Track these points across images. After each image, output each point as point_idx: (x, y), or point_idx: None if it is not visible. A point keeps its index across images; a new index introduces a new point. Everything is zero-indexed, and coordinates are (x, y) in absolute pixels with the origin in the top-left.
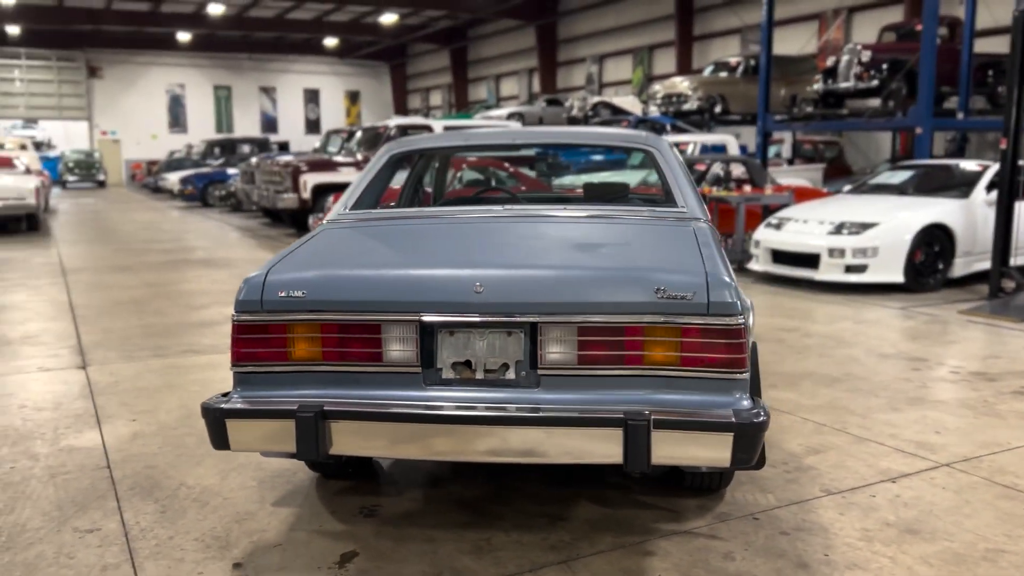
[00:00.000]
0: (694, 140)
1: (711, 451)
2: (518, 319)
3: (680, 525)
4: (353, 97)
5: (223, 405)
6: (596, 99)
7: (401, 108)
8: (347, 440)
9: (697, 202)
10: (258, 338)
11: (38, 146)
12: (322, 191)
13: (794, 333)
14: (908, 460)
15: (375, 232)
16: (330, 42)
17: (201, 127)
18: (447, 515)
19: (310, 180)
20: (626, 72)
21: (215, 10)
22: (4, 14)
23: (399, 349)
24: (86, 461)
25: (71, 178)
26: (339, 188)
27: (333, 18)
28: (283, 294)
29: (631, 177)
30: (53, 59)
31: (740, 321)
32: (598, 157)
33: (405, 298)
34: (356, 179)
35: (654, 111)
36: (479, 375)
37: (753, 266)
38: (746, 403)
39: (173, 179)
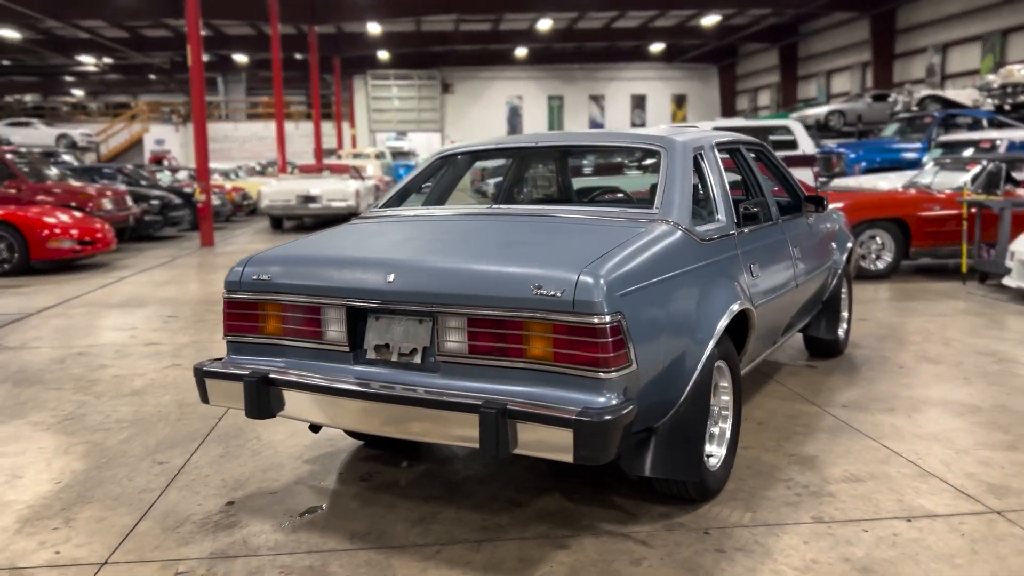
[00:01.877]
0: (1005, 136)
1: (557, 445)
2: (420, 308)
3: (621, 527)
4: (679, 101)
5: (205, 367)
6: (924, 92)
7: (728, 110)
8: (292, 406)
9: (679, 206)
10: (239, 313)
11: (404, 155)
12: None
13: (1013, 364)
14: (955, 502)
15: (365, 228)
16: (656, 47)
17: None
18: (426, 488)
19: None
20: (973, 61)
21: (543, 25)
22: (376, 41)
23: (335, 330)
24: (207, 410)
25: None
26: None
27: (658, 24)
28: (255, 277)
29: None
30: (415, 78)
31: (604, 321)
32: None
33: (335, 284)
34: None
35: (989, 104)
36: (394, 358)
37: (1008, 281)
38: (611, 402)
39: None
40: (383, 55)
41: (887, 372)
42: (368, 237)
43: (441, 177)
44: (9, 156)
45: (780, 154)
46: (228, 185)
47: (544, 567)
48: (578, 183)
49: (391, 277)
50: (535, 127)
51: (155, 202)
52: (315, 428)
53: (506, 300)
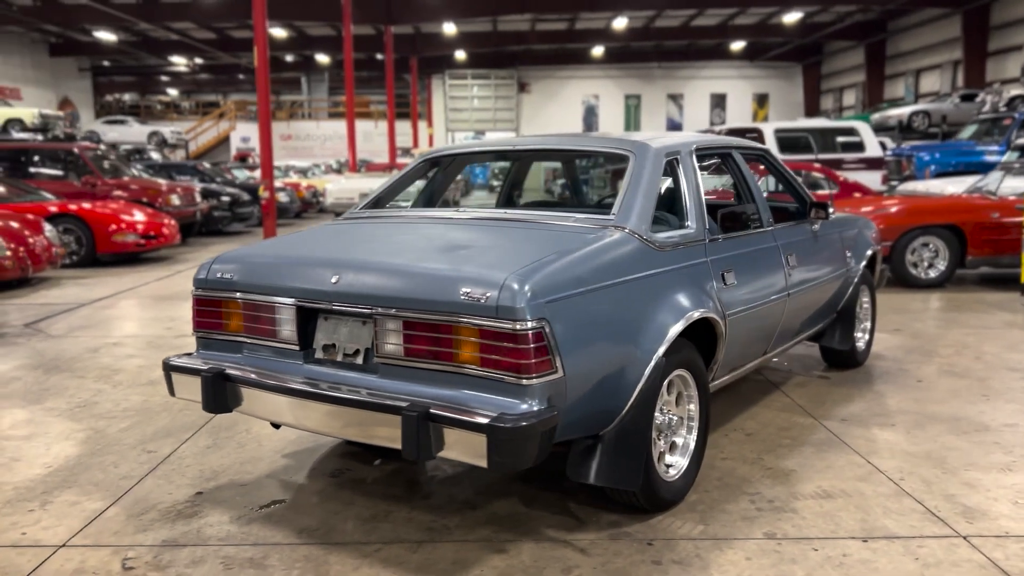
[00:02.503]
0: None
1: (473, 450)
2: (362, 309)
3: (566, 534)
4: (761, 100)
5: (171, 361)
6: (1015, 92)
7: (812, 109)
8: (247, 402)
9: (637, 212)
10: (205, 310)
11: None
12: None
13: None
14: (922, 524)
15: (335, 229)
16: (737, 45)
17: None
18: (389, 487)
19: None
20: None
21: (619, 24)
22: (453, 41)
23: (287, 329)
24: None
25: (495, 183)
26: None
27: (738, 22)
28: (219, 275)
29: None
30: (492, 78)
31: (525, 327)
32: None
33: (286, 284)
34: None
35: None
36: (339, 358)
37: None
38: (530, 409)
39: (560, 183)
40: (460, 55)
41: (902, 385)
42: (332, 238)
43: (432, 179)
44: (88, 154)
45: (848, 156)
46: (303, 183)
47: (475, 570)
48: None
49: (335, 279)
50: (611, 126)
51: (225, 198)
52: (276, 424)
53: (437, 304)
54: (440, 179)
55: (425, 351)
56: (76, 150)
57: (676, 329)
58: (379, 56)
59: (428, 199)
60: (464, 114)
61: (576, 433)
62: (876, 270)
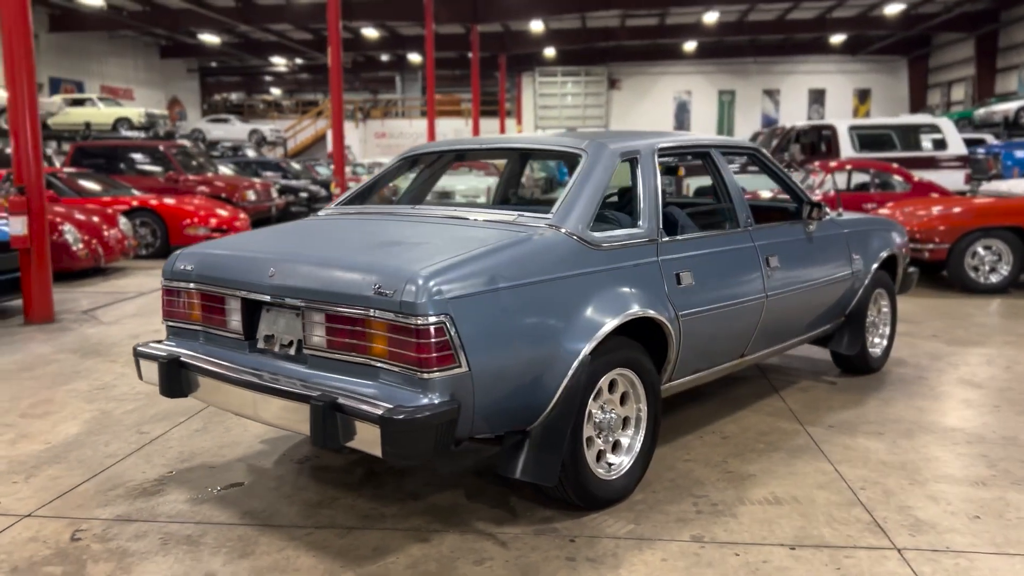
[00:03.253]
0: None
1: (370, 441)
2: (293, 302)
3: (495, 527)
4: (862, 95)
5: (139, 347)
6: None
7: (918, 105)
8: (201, 389)
9: (576, 212)
10: (171, 300)
11: None
12: (703, 192)
13: None
14: (861, 534)
15: (298, 224)
16: (837, 39)
17: (703, 131)
18: (348, 475)
19: (692, 183)
20: None
21: (709, 18)
22: (542, 38)
23: (234, 320)
24: None
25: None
26: None
27: (836, 14)
28: (182, 267)
29: None
30: (582, 74)
31: (426, 322)
32: None
33: (233, 277)
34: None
35: None
36: (277, 348)
37: None
38: (429, 402)
39: None
40: (550, 52)
41: (911, 394)
42: (288, 234)
43: (416, 176)
44: (172, 151)
45: (931, 154)
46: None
47: (390, 558)
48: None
49: (272, 273)
50: (703, 123)
51: (303, 194)
52: None
53: (353, 298)
54: (419, 176)
55: (344, 343)
56: (161, 148)
57: (606, 329)
58: (469, 55)
59: (403, 195)
60: (553, 111)
61: (497, 428)
62: (898, 273)
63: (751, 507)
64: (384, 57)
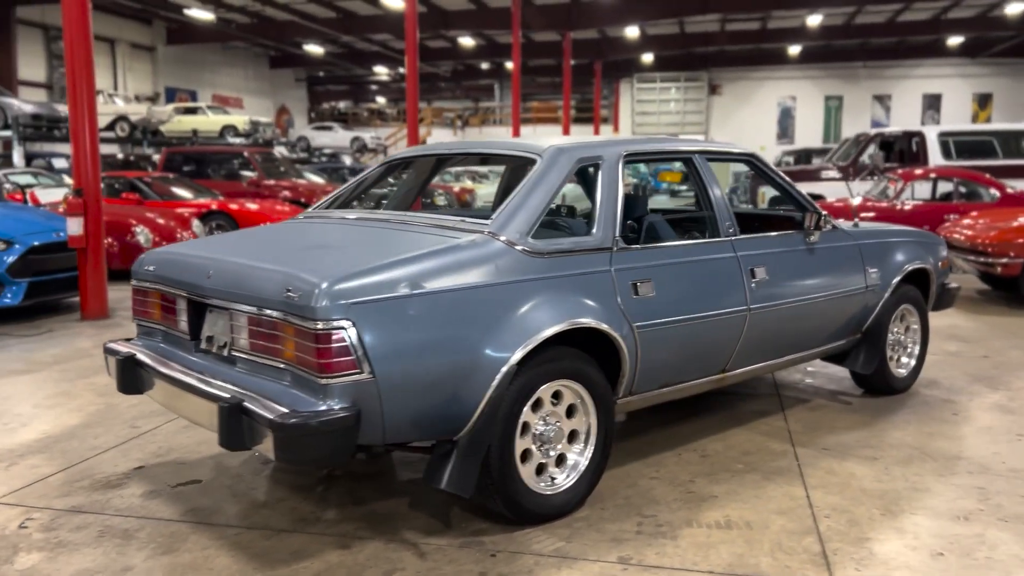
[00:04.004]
0: None
1: (268, 444)
2: (224, 304)
3: (422, 537)
4: (983, 100)
5: (107, 344)
6: None
7: None
8: (151, 388)
9: (518, 218)
10: (138, 299)
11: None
12: (778, 200)
13: None
14: (800, 566)
15: (265, 229)
16: (954, 41)
17: (808, 138)
18: (303, 478)
19: (768, 191)
20: None
21: (813, 21)
22: (638, 44)
23: (183, 320)
24: None
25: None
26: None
27: (952, 15)
28: (146, 268)
29: None
30: (681, 80)
31: (327, 327)
32: None
33: (179, 279)
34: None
35: None
36: (214, 349)
37: None
38: (328, 407)
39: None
40: (647, 58)
41: (929, 418)
42: (246, 237)
43: (397, 180)
44: (256, 157)
45: None
46: (468, 185)
47: (304, 563)
48: None
49: (210, 274)
50: (808, 129)
51: None
52: None
53: (268, 301)
54: (399, 181)
55: (262, 346)
56: (246, 154)
57: (537, 338)
58: (572, 62)
59: (395, 199)
60: (651, 118)
61: (424, 436)
62: (931, 289)
63: (697, 530)
64: (484, 65)
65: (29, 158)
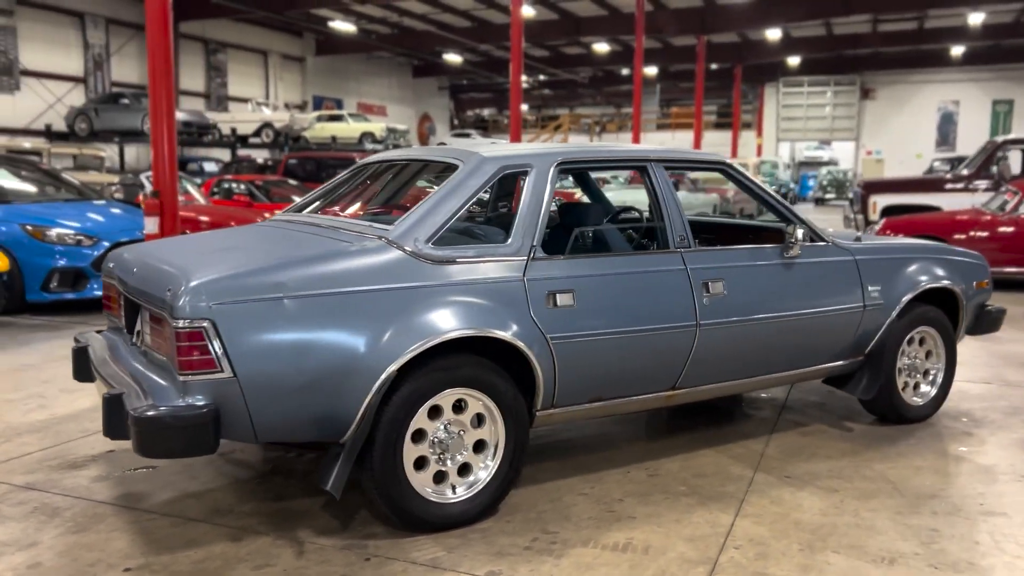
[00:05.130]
0: None
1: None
2: (139, 300)
3: (314, 537)
4: None
5: (77, 336)
6: None
7: None
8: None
9: (418, 225)
10: (104, 292)
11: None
12: (893, 211)
13: None
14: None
15: (226, 230)
16: None
17: (972, 145)
18: (243, 470)
19: (880, 201)
20: None
21: (975, 20)
22: (780, 47)
23: (122, 314)
24: None
25: (826, 195)
26: (911, 209)
27: None
28: (107, 264)
29: None
30: (830, 84)
31: (186, 325)
32: None
33: (118, 274)
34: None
35: None
36: (140, 343)
37: None
38: (184, 403)
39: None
40: (793, 61)
41: (927, 451)
42: (195, 239)
43: (367, 186)
44: None
45: None
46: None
47: (189, 552)
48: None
49: (134, 272)
50: (973, 136)
51: None
52: None
53: (156, 299)
54: (361, 185)
55: (156, 342)
56: (357, 159)
57: (423, 345)
58: (713, 66)
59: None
60: (797, 123)
61: (300, 436)
62: (961, 312)
63: (588, 550)
64: (624, 71)
65: (183, 162)
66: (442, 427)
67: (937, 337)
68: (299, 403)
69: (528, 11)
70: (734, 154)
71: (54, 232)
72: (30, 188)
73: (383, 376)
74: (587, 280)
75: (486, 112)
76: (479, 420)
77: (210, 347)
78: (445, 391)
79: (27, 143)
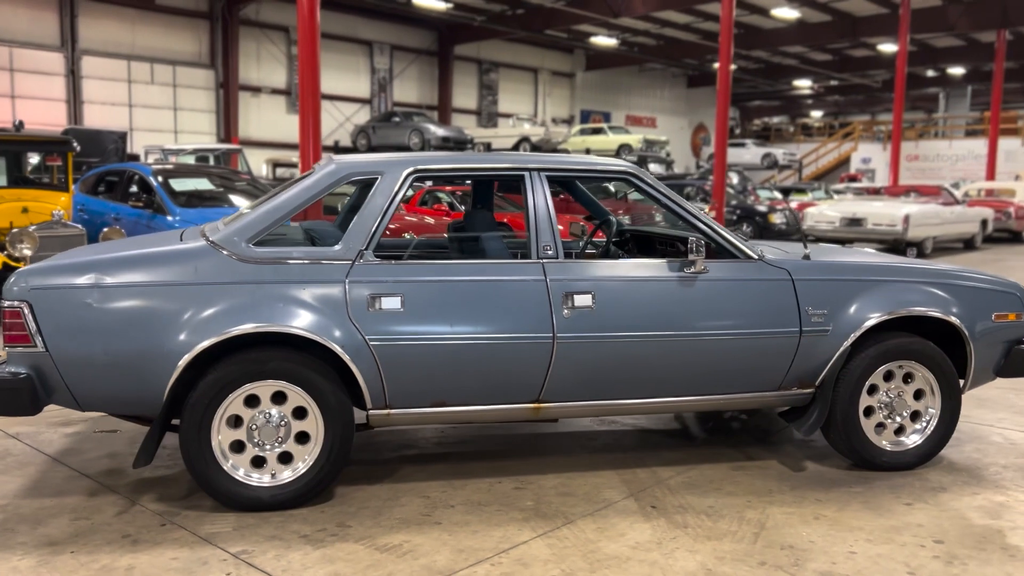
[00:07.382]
0: None
1: None
2: None
3: (150, 502)
4: None
5: None
6: None
7: None
8: None
9: (239, 225)
10: None
11: None
12: None
13: None
14: None
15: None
16: None
17: None
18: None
19: None
20: None
21: None
22: None
23: None
24: None
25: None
26: None
27: None
28: None
29: None
30: None
31: (9, 305)
32: None
33: None
34: None
35: None
36: None
37: None
38: (11, 372)
39: None
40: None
41: (876, 506)
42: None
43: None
44: None
45: None
46: (794, 202)
47: (46, 499)
48: None
49: None
50: None
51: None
52: None
53: None
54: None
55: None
56: None
57: (223, 336)
58: None
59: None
60: None
61: (115, 410)
62: (969, 348)
63: (354, 546)
64: (930, 72)
65: None
66: (263, 415)
67: (928, 374)
68: (110, 380)
69: (790, 13)
70: None
71: None
72: (227, 195)
73: (181, 363)
74: (417, 285)
75: (776, 120)
76: (303, 413)
77: (26, 325)
78: (257, 382)
79: (294, 156)
